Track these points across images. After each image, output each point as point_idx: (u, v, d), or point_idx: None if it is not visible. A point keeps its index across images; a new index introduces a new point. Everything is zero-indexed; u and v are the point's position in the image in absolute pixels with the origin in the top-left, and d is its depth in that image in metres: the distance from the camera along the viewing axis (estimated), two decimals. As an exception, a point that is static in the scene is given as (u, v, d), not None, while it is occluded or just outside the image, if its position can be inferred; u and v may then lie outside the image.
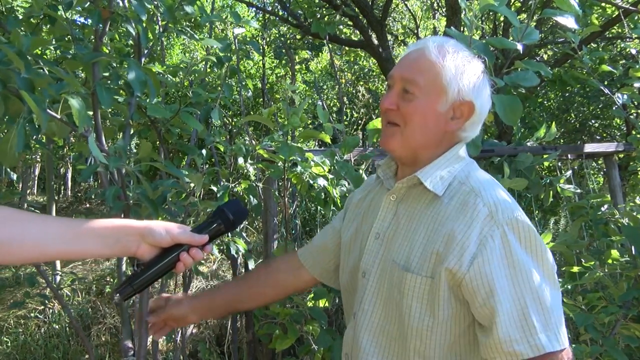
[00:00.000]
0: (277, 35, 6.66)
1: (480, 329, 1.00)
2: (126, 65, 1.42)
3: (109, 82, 1.52)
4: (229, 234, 2.17)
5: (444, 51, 1.05)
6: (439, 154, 1.09)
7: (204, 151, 2.01)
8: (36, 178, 8.79)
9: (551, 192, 2.36)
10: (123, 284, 1.00)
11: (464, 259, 0.97)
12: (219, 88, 2.00)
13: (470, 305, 0.99)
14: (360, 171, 2.18)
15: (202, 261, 4.96)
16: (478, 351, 1.03)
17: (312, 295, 2.10)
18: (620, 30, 4.91)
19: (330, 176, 2.01)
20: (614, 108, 2.18)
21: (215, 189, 2.10)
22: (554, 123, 2.66)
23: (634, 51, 2.54)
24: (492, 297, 0.95)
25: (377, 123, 1.98)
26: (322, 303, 2.10)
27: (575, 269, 1.99)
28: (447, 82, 1.03)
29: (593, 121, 6.88)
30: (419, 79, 1.04)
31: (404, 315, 1.03)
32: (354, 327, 1.13)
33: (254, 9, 7.05)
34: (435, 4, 7.45)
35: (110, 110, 1.80)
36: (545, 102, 7.02)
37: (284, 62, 6.69)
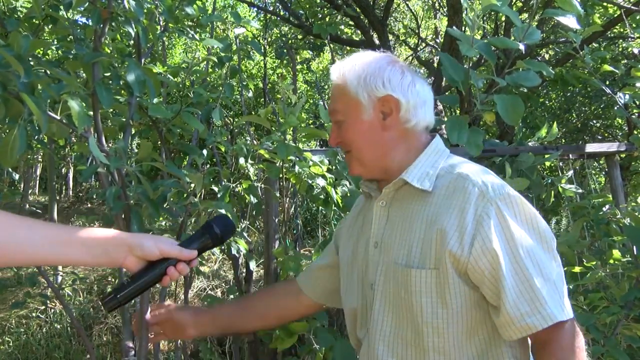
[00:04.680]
0: (279, 35, 6.66)
1: (493, 311, 1.00)
2: (127, 66, 1.42)
3: (110, 82, 1.52)
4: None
5: (342, 70, 1.12)
6: (411, 154, 1.10)
7: (205, 151, 2.01)
8: (38, 178, 8.82)
9: (553, 192, 2.35)
10: (109, 295, 1.01)
11: (465, 241, 0.97)
12: (220, 88, 2.00)
13: (481, 288, 0.99)
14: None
15: (204, 261, 4.96)
16: (497, 342, 1.02)
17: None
18: (622, 30, 4.89)
19: (329, 176, 2.00)
20: (615, 108, 2.17)
21: (216, 189, 2.10)
22: (555, 123, 2.66)
23: (636, 51, 2.54)
24: (496, 274, 0.96)
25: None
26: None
27: (577, 269, 1.99)
28: (355, 93, 1.09)
29: (595, 121, 6.86)
30: (337, 106, 1.13)
31: (415, 314, 1.01)
32: (368, 340, 1.11)
33: (255, 9, 7.05)
34: (436, 4, 7.44)
35: (111, 110, 1.80)
36: (547, 102, 7.01)
37: (285, 62, 6.69)
